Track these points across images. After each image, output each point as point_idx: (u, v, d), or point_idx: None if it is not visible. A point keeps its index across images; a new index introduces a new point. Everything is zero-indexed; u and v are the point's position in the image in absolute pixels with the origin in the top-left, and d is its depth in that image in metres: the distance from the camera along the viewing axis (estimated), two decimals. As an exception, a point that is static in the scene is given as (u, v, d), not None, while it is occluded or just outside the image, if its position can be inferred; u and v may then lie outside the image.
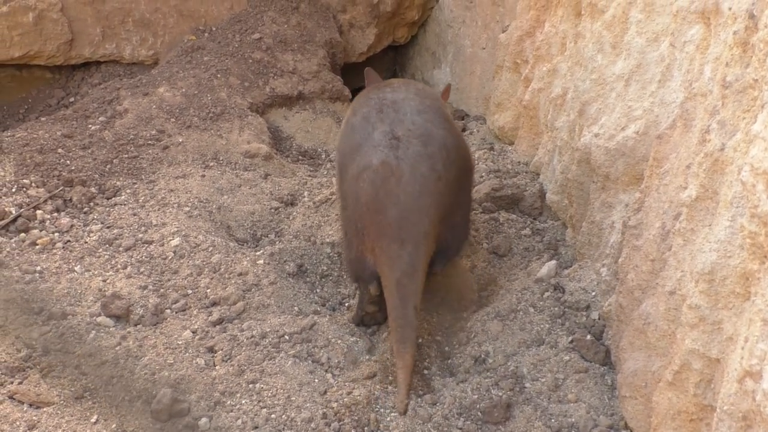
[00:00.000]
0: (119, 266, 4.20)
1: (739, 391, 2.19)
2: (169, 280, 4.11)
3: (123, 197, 4.84)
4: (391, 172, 3.55)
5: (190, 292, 4.02)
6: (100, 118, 5.78)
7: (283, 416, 3.29)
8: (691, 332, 2.55)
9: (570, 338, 3.62)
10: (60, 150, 5.19)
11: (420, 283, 3.59)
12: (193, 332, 3.74)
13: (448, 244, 3.85)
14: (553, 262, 4.13)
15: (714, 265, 2.43)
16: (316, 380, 3.47)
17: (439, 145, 3.72)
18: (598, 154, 3.76)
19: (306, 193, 5.08)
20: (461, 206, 3.99)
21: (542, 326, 3.72)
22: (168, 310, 3.92)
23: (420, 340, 3.72)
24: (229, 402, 3.36)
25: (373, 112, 3.81)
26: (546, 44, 4.80)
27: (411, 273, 3.54)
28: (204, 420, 3.28)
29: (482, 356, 3.64)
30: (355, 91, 6.97)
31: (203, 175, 5.13)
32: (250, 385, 3.41)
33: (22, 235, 4.41)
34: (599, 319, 3.72)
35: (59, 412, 3.30)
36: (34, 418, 3.25)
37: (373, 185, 3.57)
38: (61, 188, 4.80)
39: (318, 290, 4.22)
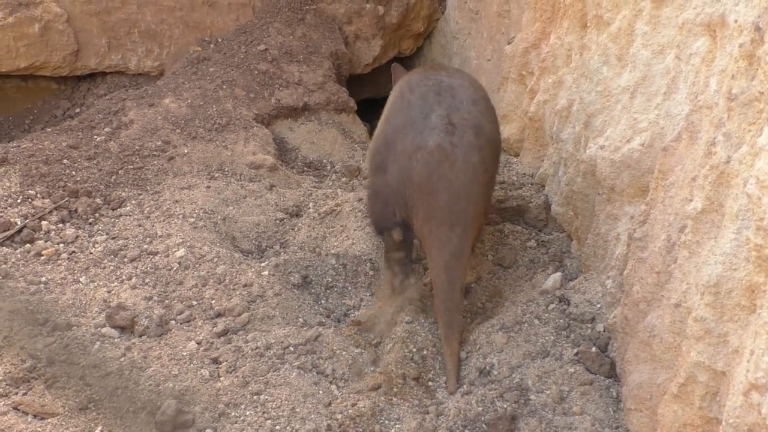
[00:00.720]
0: (124, 277, 4.20)
1: (745, 404, 2.19)
2: (173, 291, 4.11)
3: (128, 208, 4.85)
4: (446, 157, 3.72)
5: (194, 303, 4.02)
6: (105, 129, 5.78)
7: (288, 428, 3.29)
8: (696, 345, 2.54)
9: (575, 350, 3.62)
10: (65, 161, 5.19)
11: (466, 267, 3.81)
12: (197, 343, 3.74)
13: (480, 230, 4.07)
14: (558, 274, 4.13)
15: (719, 277, 2.43)
16: (321, 392, 3.46)
17: (487, 138, 3.90)
18: (604, 166, 3.76)
19: (311, 205, 5.08)
20: (491, 197, 4.21)
21: (547, 338, 3.71)
22: (173, 321, 3.91)
23: (424, 353, 3.72)
24: (233, 413, 3.35)
25: (432, 94, 3.91)
26: (551, 56, 4.80)
27: (459, 256, 3.73)
28: (208, 431, 3.27)
29: (487, 368, 3.64)
30: (360, 103, 6.99)
31: (208, 186, 5.13)
32: (255, 397, 3.41)
33: (27, 245, 4.41)
34: (604, 331, 3.71)
35: (64, 423, 3.30)
36: (38, 429, 3.25)
37: (427, 167, 3.72)
38: (66, 199, 4.81)
39: (323, 301, 4.21)
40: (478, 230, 3.97)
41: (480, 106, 3.99)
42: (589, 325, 3.77)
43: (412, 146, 3.78)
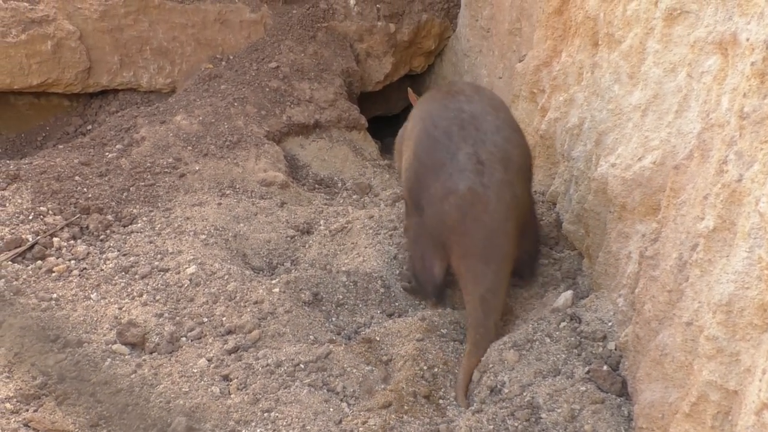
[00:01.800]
0: (135, 294, 4.20)
1: (757, 424, 2.18)
2: (184, 308, 4.11)
3: (139, 225, 4.86)
4: (478, 199, 3.78)
5: (205, 320, 4.02)
6: (117, 146, 5.80)
7: (298, 445, 3.28)
8: (708, 363, 2.53)
9: (586, 369, 3.60)
10: (77, 178, 5.21)
11: (502, 299, 3.89)
12: (208, 360, 3.74)
13: (527, 252, 4.18)
14: (570, 292, 4.12)
15: (732, 296, 2.42)
16: (331, 409, 3.46)
17: (517, 167, 3.96)
18: (615, 184, 3.75)
19: (322, 222, 5.09)
20: (531, 209, 4.26)
21: (558, 356, 3.70)
22: (183, 338, 3.91)
23: (435, 370, 3.71)
24: (243, 431, 3.35)
25: (455, 128, 3.94)
26: (563, 74, 4.80)
27: (495, 290, 3.82)
28: (219, 449, 3.27)
29: (498, 386, 3.63)
30: (371, 120, 7.01)
31: (219, 203, 5.14)
32: (265, 414, 3.40)
33: (39, 262, 4.42)
34: (616, 349, 3.69)
35: (74, 439, 3.30)
36: (49, 445, 3.26)
37: (459, 210, 3.79)
38: (77, 216, 4.82)
39: (333, 319, 4.21)
40: (517, 259, 4.01)
41: (504, 131, 4.02)
42: (601, 344, 3.76)
43: (444, 190, 3.84)
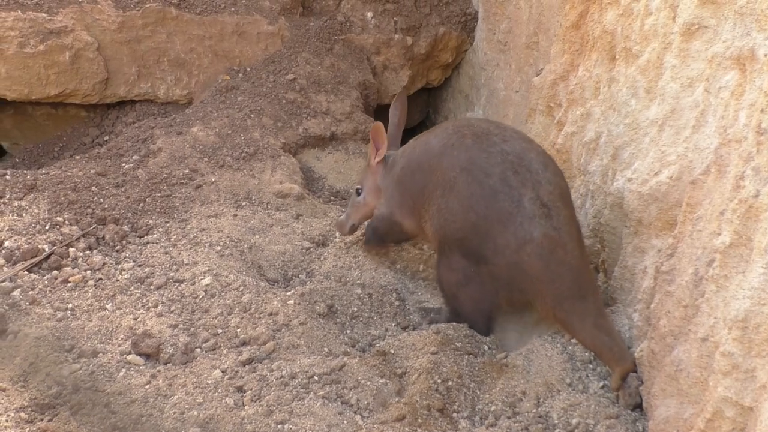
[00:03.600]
0: (150, 305, 4.21)
1: (773, 441, 2.17)
2: (199, 319, 4.11)
3: (155, 236, 4.86)
4: (556, 244, 3.85)
5: (220, 331, 4.02)
6: (133, 157, 5.82)
7: (312, 458, 3.28)
8: (723, 380, 2.53)
9: (601, 383, 3.60)
10: (93, 188, 5.22)
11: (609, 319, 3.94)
12: (222, 372, 3.74)
13: None
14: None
15: (748, 312, 2.41)
16: (345, 422, 3.45)
17: (569, 197, 4.06)
18: (631, 199, 3.75)
19: (337, 234, 5.09)
20: None
21: (573, 371, 3.70)
22: (198, 349, 3.91)
23: (449, 384, 3.70)
24: (257, 442, 3.35)
25: (510, 174, 3.94)
26: (580, 88, 4.79)
27: (602, 314, 3.88)
28: (232, 460, 3.27)
29: (512, 400, 3.62)
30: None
31: (235, 215, 5.15)
32: (279, 426, 3.40)
33: (55, 272, 4.43)
34: (631, 364, 3.69)
35: (88, 450, 3.30)
36: (63, 455, 3.26)
37: (541, 258, 3.83)
38: (94, 226, 4.83)
39: (348, 331, 4.20)
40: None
41: (550, 166, 4.06)
42: (616, 359, 3.75)
43: (517, 241, 3.87)
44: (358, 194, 4.86)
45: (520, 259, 3.86)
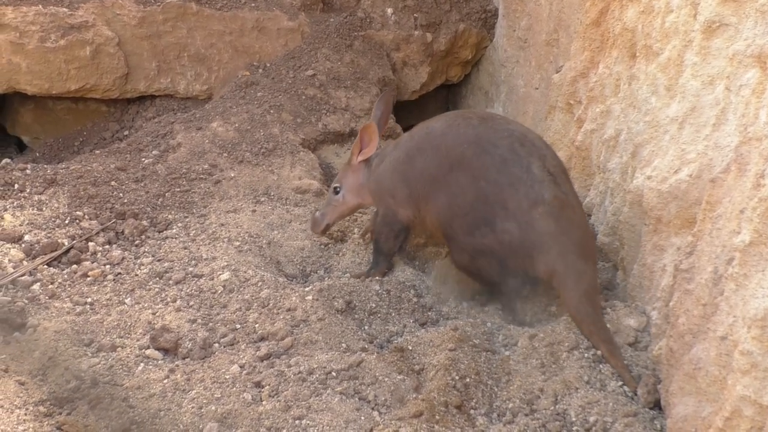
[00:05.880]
0: (169, 299, 4.22)
1: (792, 440, 2.16)
2: (218, 314, 4.12)
3: (174, 231, 4.88)
4: (566, 204, 4.02)
5: (238, 326, 4.03)
6: (153, 152, 5.83)
7: (329, 453, 3.28)
8: (742, 378, 2.51)
9: (619, 381, 3.59)
10: (113, 183, 5.24)
11: (600, 297, 4.08)
12: (240, 367, 3.74)
13: None
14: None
15: (767, 311, 2.40)
16: (363, 417, 3.45)
17: (570, 178, 4.26)
18: (651, 197, 3.74)
19: (356, 230, 5.09)
20: None
21: (591, 368, 3.69)
22: (216, 344, 3.92)
23: (467, 380, 3.69)
24: (274, 438, 3.35)
25: (517, 145, 4.08)
26: (600, 85, 4.78)
27: (595, 286, 4.01)
28: (249, 455, 3.27)
29: (530, 397, 3.61)
30: (407, 129, 7.00)
31: (254, 210, 5.16)
32: (297, 421, 3.40)
33: (74, 266, 4.45)
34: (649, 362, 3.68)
35: (106, 444, 3.31)
36: (81, 449, 3.27)
37: (551, 216, 3.97)
38: (113, 221, 4.84)
39: (366, 327, 4.20)
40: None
41: (551, 150, 4.24)
42: (634, 357, 3.74)
43: (529, 201, 3.97)
44: (336, 192, 4.85)
45: (532, 218, 3.96)
